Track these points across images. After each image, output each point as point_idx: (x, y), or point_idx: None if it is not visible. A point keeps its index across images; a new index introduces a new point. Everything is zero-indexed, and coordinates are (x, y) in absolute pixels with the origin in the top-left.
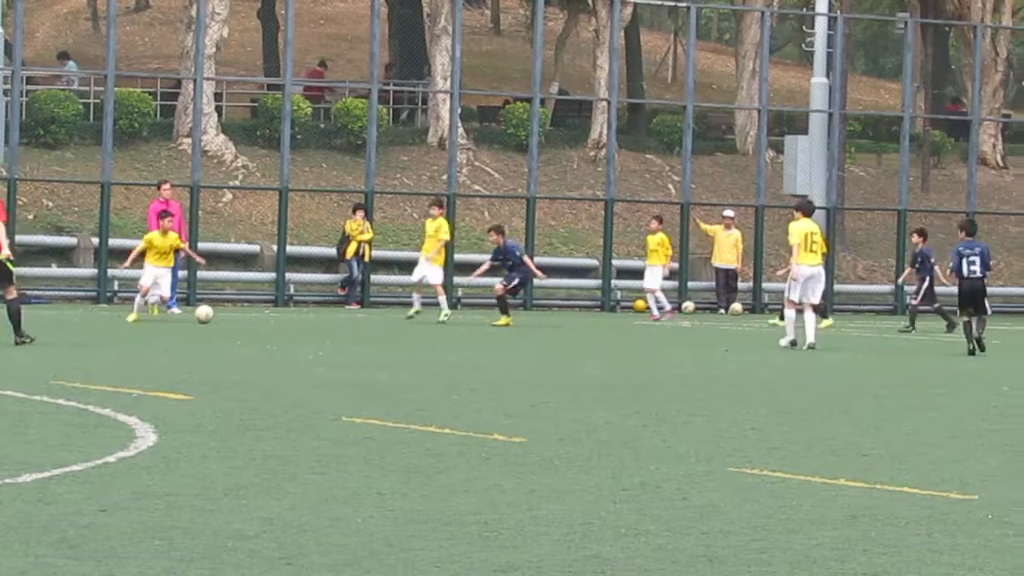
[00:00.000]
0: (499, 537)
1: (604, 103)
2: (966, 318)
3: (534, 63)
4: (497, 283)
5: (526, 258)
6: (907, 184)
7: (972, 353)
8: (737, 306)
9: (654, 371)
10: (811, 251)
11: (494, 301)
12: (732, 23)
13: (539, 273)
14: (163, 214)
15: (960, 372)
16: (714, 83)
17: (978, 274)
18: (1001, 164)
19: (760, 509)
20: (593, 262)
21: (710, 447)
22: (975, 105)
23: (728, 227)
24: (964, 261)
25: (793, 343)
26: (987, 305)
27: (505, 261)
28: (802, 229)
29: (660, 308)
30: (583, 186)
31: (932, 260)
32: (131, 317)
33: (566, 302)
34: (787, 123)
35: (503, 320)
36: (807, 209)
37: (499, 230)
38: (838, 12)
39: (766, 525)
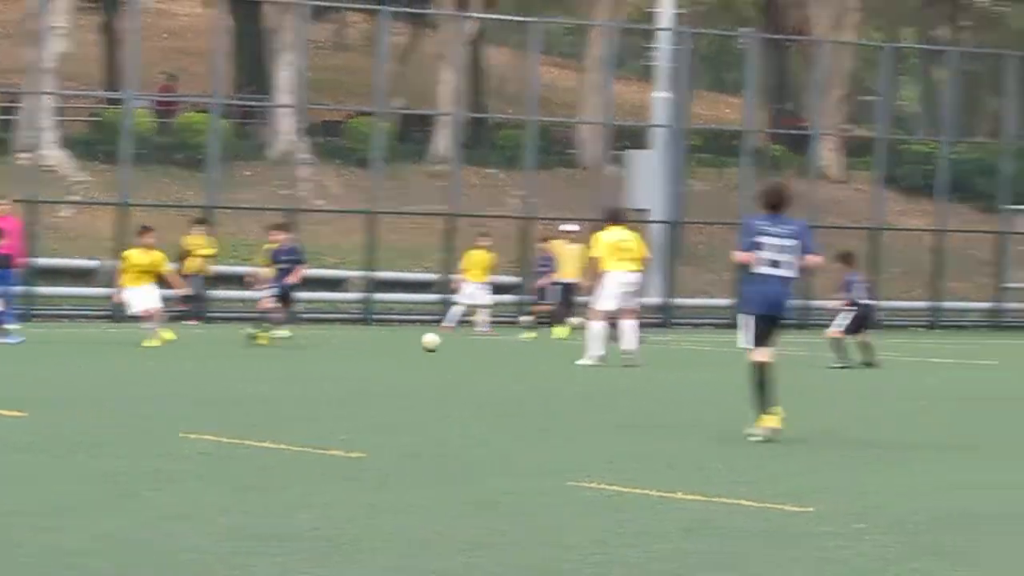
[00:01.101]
0: (337, 552)
1: (448, 118)
2: (855, 339)
3: (378, 77)
4: (265, 294)
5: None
6: (748, 198)
7: (846, 367)
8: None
9: (495, 386)
10: (624, 259)
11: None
12: (576, 38)
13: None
14: (144, 229)
15: (798, 386)
16: (558, 97)
17: (868, 300)
18: (842, 178)
19: (599, 523)
20: (434, 277)
21: (550, 461)
22: (816, 120)
23: (569, 241)
24: (856, 289)
25: (602, 358)
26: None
27: (293, 263)
28: (610, 239)
29: (452, 321)
30: (426, 201)
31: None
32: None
33: (407, 317)
34: (630, 137)
35: (264, 337)
36: (615, 217)
37: (286, 228)
38: (681, 27)
39: (605, 539)
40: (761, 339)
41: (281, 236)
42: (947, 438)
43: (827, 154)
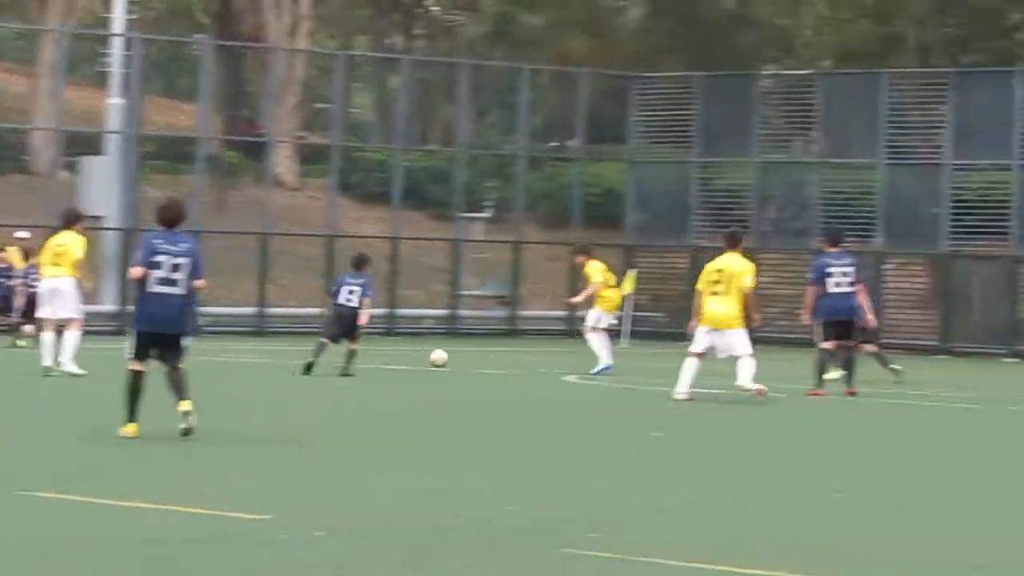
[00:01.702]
0: None
1: None
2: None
3: None
4: None
5: None
6: (203, 205)
7: (308, 372)
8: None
9: None
10: (55, 263)
11: None
12: (27, 43)
13: None
14: None
15: (259, 393)
16: (9, 103)
17: (354, 303)
18: (296, 185)
19: (52, 533)
20: None
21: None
22: (271, 126)
23: (22, 249)
24: (343, 290)
25: (50, 368)
26: (358, 333)
27: None
28: (50, 244)
29: None
30: None
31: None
32: None
33: None
34: (85, 144)
35: None
36: (66, 221)
37: None
38: (134, 33)
39: (59, 550)
40: (143, 353)
41: None
42: (404, 445)
43: (282, 161)
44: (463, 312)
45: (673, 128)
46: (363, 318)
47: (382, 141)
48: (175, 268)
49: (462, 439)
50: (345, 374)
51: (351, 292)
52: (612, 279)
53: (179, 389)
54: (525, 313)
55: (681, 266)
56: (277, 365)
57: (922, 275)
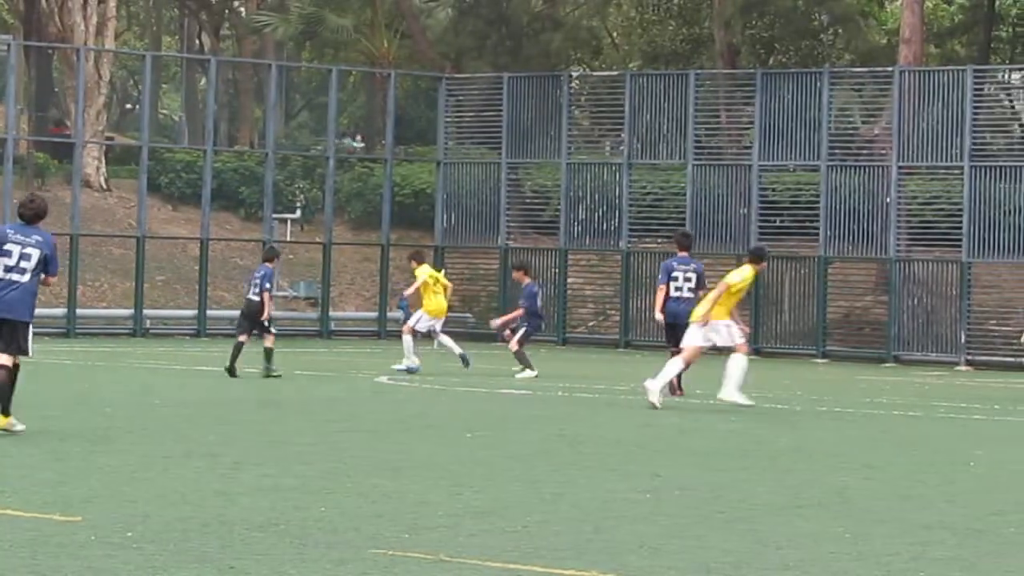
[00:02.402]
0: None
1: None
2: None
3: None
4: None
5: None
6: (12, 207)
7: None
8: None
9: None
10: None
11: None
12: None
13: None
14: None
15: (69, 392)
16: None
17: (256, 296)
18: (104, 186)
19: None
20: None
21: None
22: (79, 127)
23: None
24: (250, 284)
25: None
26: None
27: None
28: None
29: None
30: None
31: None
32: None
33: None
34: None
35: None
36: None
37: None
38: None
39: None
40: None
41: None
42: (218, 444)
43: (91, 162)
44: (274, 313)
45: (482, 129)
46: (264, 311)
47: (191, 142)
48: (24, 258)
49: (276, 439)
50: (268, 375)
51: (255, 285)
52: (444, 287)
53: (3, 395)
54: (336, 314)
55: (491, 267)
56: (87, 366)
57: None
